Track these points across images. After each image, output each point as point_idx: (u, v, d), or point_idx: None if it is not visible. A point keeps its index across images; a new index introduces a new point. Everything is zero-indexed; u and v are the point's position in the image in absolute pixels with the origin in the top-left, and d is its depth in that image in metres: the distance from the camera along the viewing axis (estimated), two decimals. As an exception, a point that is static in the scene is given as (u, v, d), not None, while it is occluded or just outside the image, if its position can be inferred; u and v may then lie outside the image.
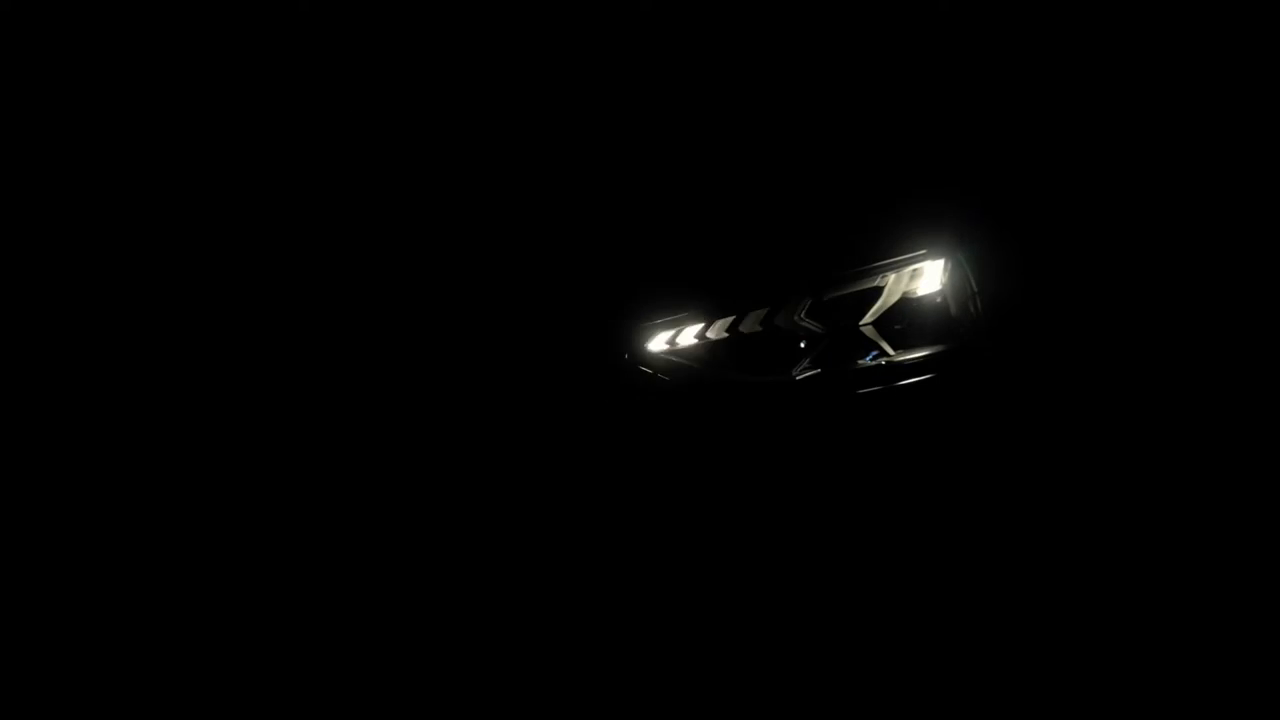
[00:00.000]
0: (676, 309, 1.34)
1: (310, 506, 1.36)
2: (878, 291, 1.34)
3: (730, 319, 1.33)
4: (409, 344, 1.36)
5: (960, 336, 1.37)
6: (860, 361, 1.35)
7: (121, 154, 1.51)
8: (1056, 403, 1.43)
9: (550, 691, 1.35)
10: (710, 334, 1.33)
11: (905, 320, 1.36)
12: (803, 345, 1.35)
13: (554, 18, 1.61)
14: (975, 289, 1.37)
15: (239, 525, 1.37)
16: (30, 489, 1.39)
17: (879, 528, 1.40)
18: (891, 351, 1.35)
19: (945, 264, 1.36)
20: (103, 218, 1.47)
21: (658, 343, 1.34)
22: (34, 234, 1.47)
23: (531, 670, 1.36)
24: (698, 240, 1.38)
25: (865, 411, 1.35)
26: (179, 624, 1.38)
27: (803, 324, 1.34)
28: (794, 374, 1.34)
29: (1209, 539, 1.45)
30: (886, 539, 1.40)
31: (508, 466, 1.34)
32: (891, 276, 1.34)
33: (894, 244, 1.36)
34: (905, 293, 1.35)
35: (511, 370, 1.34)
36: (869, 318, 1.34)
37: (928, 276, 1.36)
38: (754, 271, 1.35)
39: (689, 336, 1.33)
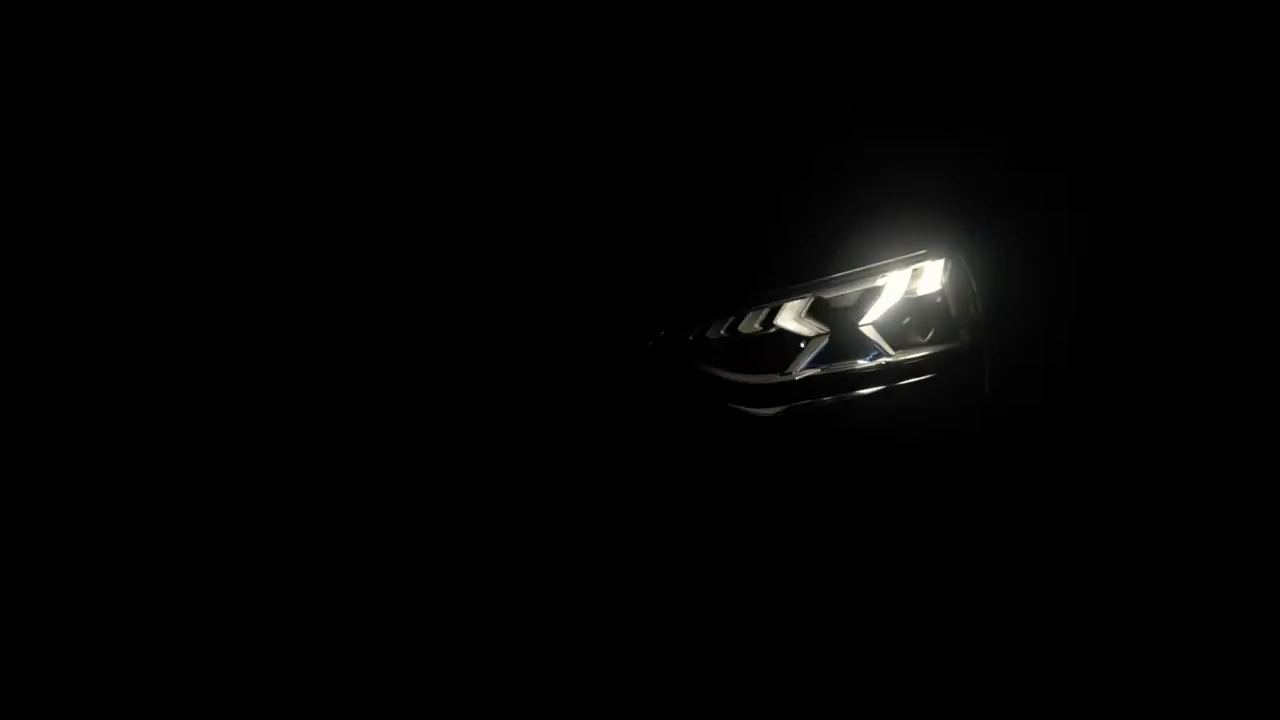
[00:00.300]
0: (676, 309, 1.34)
1: (321, 505, 1.36)
2: (877, 291, 1.34)
3: (730, 319, 1.33)
4: (415, 340, 1.36)
5: (960, 336, 1.36)
6: (860, 361, 1.35)
7: (121, 154, 1.51)
8: (1057, 403, 1.43)
9: (555, 688, 1.35)
10: (710, 334, 1.33)
11: (905, 320, 1.36)
12: (802, 345, 1.35)
13: (558, 19, 1.61)
14: (975, 289, 1.37)
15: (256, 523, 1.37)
16: (27, 488, 1.39)
17: (879, 528, 1.40)
18: (891, 352, 1.35)
19: (945, 264, 1.36)
20: (102, 218, 1.47)
21: (659, 342, 1.33)
22: (33, 234, 1.47)
23: (534, 669, 1.36)
24: (696, 241, 1.38)
25: (865, 411, 1.35)
26: (178, 624, 1.38)
27: (803, 324, 1.33)
28: (794, 374, 1.34)
29: (1210, 538, 1.45)
30: (886, 539, 1.40)
31: (505, 464, 1.34)
32: (892, 276, 1.34)
33: (894, 244, 1.36)
34: (905, 293, 1.35)
35: (510, 370, 1.34)
36: (869, 318, 1.34)
37: (928, 276, 1.36)
38: (754, 271, 1.35)
39: (688, 336, 1.33)
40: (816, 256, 1.36)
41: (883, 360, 1.35)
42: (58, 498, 1.40)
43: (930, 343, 1.36)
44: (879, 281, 1.34)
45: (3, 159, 1.52)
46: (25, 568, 1.39)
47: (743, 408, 1.34)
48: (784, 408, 1.34)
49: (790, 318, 1.33)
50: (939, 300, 1.36)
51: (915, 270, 1.35)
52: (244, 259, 1.41)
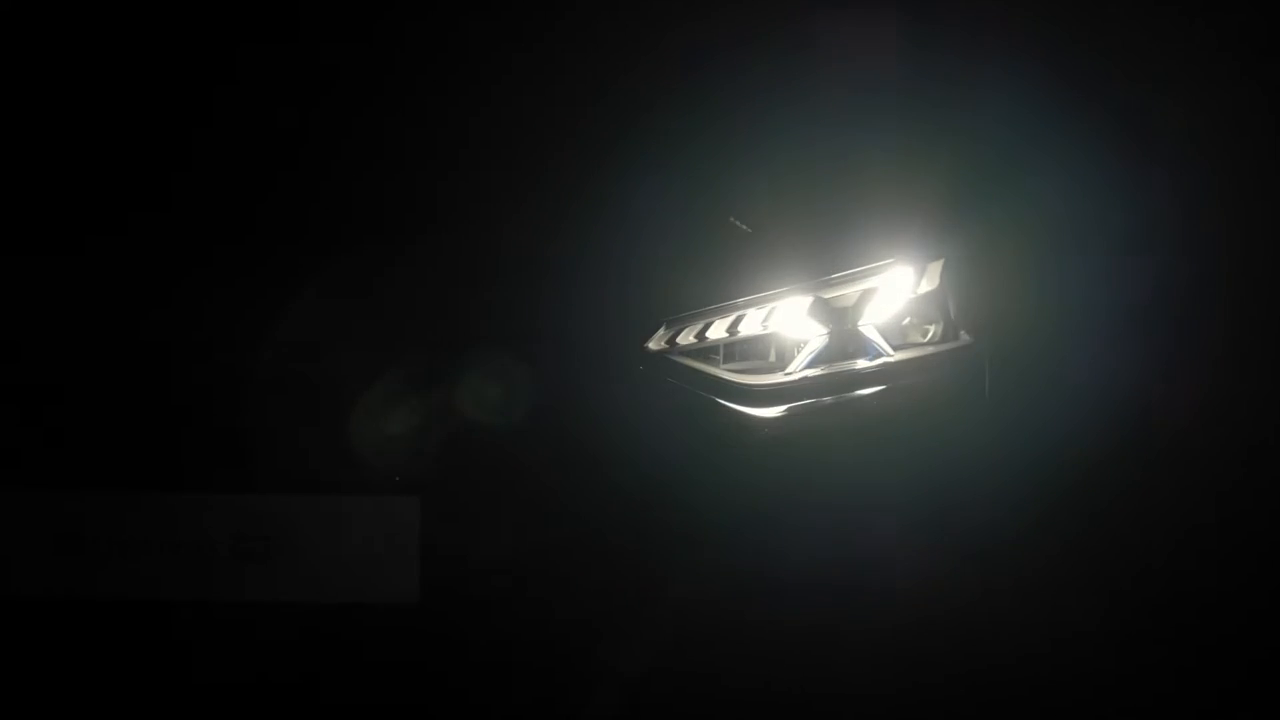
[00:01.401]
0: (676, 309, 1.34)
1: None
2: (877, 291, 1.34)
3: (730, 319, 1.33)
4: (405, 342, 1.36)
5: (960, 336, 1.37)
6: (860, 361, 1.35)
7: (121, 154, 1.51)
8: (1055, 402, 1.43)
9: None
10: (710, 334, 1.33)
11: (905, 320, 1.36)
12: (802, 345, 1.35)
13: (561, 19, 1.62)
14: (973, 289, 1.37)
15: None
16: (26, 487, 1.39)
17: (878, 528, 1.40)
18: (891, 352, 1.35)
19: (944, 264, 1.36)
20: (100, 218, 1.47)
21: (657, 342, 1.33)
22: (33, 234, 1.47)
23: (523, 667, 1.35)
24: (695, 240, 1.38)
25: (865, 411, 1.35)
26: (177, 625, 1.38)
27: (803, 324, 1.33)
28: (794, 374, 1.34)
29: (1211, 538, 1.45)
30: (886, 540, 1.40)
31: (503, 464, 1.34)
32: (892, 276, 1.34)
33: (893, 244, 1.36)
34: (905, 293, 1.35)
35: (509, 372, 1.34)
36: (869, 318, 1.34)
37: (928, 276, 1.36)
38: (754, 271, 1.35)
39: (689, 336, 1.33)
40: (816, 256, 1.36)
41: (883, 360, 1.35)
42: (57, 498, 1.39)
43: (930, 343, 1.36)
44: (879, 281, 1.34)
45: (2, 159, 1.52)
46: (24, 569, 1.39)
47: (742, 409, 1.34)
48: (784, 408, 1.34)
49: (789, 317, 1.33)
50: (939, 300, 1.36)
51: (915, 270, 1.35)
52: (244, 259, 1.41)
